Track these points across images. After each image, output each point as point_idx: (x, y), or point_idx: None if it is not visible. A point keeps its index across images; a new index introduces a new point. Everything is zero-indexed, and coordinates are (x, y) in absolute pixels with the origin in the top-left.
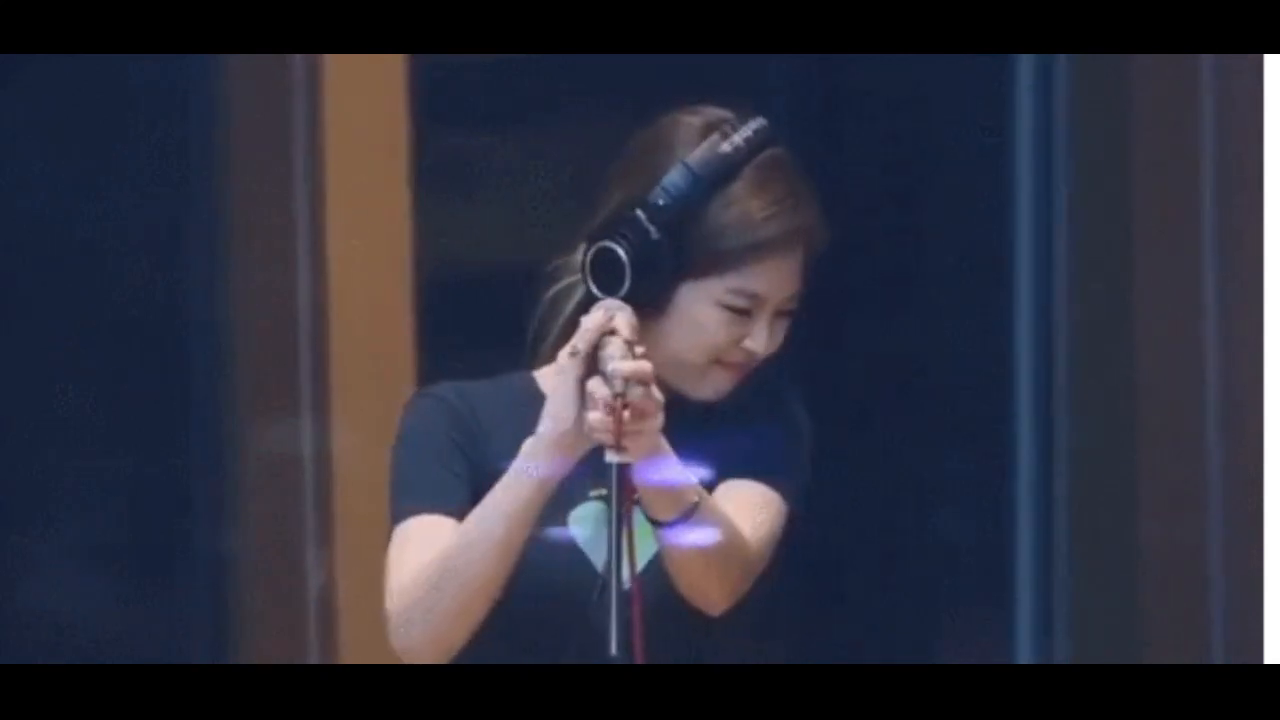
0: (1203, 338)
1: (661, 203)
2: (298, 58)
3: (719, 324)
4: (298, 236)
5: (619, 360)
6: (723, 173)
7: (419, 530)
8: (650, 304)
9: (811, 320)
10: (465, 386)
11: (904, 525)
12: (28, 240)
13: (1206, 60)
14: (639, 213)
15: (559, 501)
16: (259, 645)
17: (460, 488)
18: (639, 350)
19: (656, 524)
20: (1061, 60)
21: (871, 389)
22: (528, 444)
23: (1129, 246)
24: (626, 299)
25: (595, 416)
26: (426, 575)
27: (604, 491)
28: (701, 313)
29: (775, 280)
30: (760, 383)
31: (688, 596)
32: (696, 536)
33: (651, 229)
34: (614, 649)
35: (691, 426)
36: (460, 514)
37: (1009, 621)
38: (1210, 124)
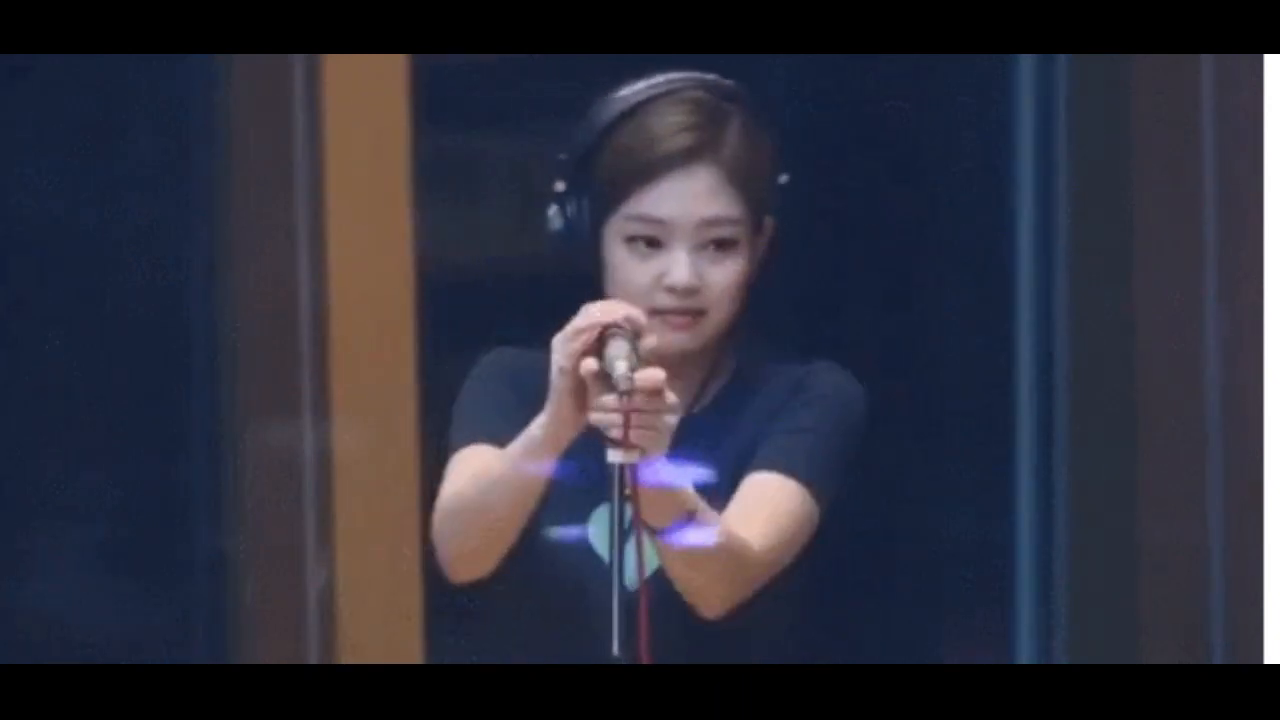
0: (1203, 338)
1: (563, 157)
2: (298, 58)
3: (632, 262)
4: (298, 236)
5: (624, 366)
6: (613, 116)
7: (465, 457)
8: (585, 261)
9: (811, 320)
10: (531, 353)
11: (904, 525)
12: (27, 240)
13: (1206, 60)
14: (554, 174)
15: (578, 502)
16: (259, 645)
17: (509, 426)
18: (649, 343)
19: (651, 530)
20: (1061, 60)
21: (871, 389)
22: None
23: (1129, 247)
24: (565, 259)
25: (598, 418)
26: (459, 492)
27: (627, 492)
28: (615, 255)
29: (675, 202)
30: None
31: (686, 599)
32: (692, 543)
33: (558, 183)
34: (616, 649)
35: (714, 413)
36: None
37: (1009, 621)
38: (1210, 124)
